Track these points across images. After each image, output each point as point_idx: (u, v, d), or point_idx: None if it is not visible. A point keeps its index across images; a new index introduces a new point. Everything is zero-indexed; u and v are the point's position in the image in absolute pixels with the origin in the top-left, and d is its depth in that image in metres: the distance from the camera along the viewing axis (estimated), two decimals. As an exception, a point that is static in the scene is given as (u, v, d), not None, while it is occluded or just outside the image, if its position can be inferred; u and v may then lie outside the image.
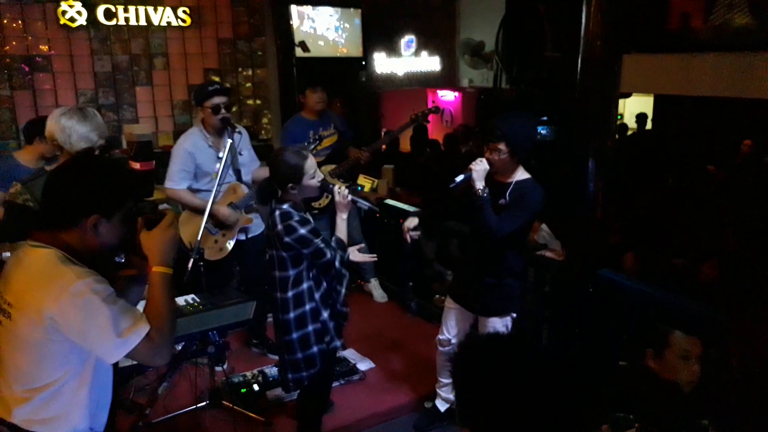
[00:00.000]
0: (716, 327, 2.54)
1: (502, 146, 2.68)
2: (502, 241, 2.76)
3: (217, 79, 6.64)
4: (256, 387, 3.52)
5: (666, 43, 3.76)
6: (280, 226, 2.45)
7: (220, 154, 3.37)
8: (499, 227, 2.66)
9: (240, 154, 3.54)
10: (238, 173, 3.55)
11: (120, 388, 3.18)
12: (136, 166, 1.81)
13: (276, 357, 3.87)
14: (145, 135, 1.79)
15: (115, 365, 2.53)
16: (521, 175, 2.80)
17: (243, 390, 3.49)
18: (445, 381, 3.26)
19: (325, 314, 2.60)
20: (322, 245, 2.48)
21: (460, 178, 2.74)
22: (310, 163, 2.53)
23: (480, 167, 2.70)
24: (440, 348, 3.18)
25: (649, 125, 9.40)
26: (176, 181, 3.45)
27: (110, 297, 1.55)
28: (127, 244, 1.77)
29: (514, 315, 2.94)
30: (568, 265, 3.34)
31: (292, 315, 2.53)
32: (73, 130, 2.30)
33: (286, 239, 2.43)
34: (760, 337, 2.66)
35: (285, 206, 2.50)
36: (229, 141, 3.34)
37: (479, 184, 2.67)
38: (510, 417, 1.11)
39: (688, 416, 2.19)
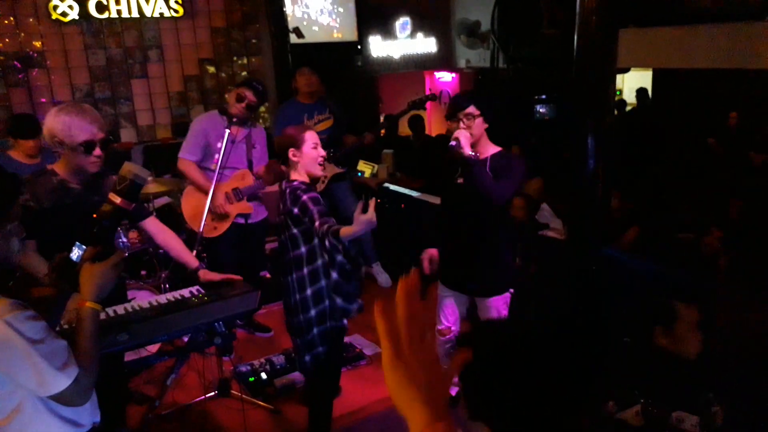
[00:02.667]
0: (718, 298, 2.54)
1: (471, 109, 2.74)
2: (494, 212, 2.77)
3: (212, 69, 6.61)
4: (264, 376, 3.54)
5: (662, 15, 3.71)
6: (289, 200, 2.50)
7: (232, 140, 3.48)
8: (497, 190, 2.67)
9: (253, 147, 3.69)
10: (250, 163, 3.70)
11: (128, 380, 3.21)
12: (117, 200, 1.78)
13: (262, 334, 4.08)
14: (142, 177, 1.76)
15: (121, 358, 2.56)
16: (492, 149, 2.85)
17: (251, 379, 3.52)
18: (449, 368, 3.27)
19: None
20: (317, 214, 2.43)
21: (452, 144, 2.76)
22: (312, 135, 2.60)
23: (463, 134, 2.72)
24: (440, 338, 3.16)
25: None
26: (187, 152, 3.67)
27: (38, 335, 1.47)
28: (64, 269, 1.73)
29: (512, 291, 2.94)
30: (571, 244, 3.33)
31: (309, 292, 2.54)
32: (72, 123, 2.29)
33: (295, 211, 2.47)
34: (754, 306, 2.67)
35: (295, 183, 2.56)
36: (227, 131, 3.39)
37: (467, 150, 2.68)
38: (525, 406, 1.07)
39: (692, 389, 2.21)
